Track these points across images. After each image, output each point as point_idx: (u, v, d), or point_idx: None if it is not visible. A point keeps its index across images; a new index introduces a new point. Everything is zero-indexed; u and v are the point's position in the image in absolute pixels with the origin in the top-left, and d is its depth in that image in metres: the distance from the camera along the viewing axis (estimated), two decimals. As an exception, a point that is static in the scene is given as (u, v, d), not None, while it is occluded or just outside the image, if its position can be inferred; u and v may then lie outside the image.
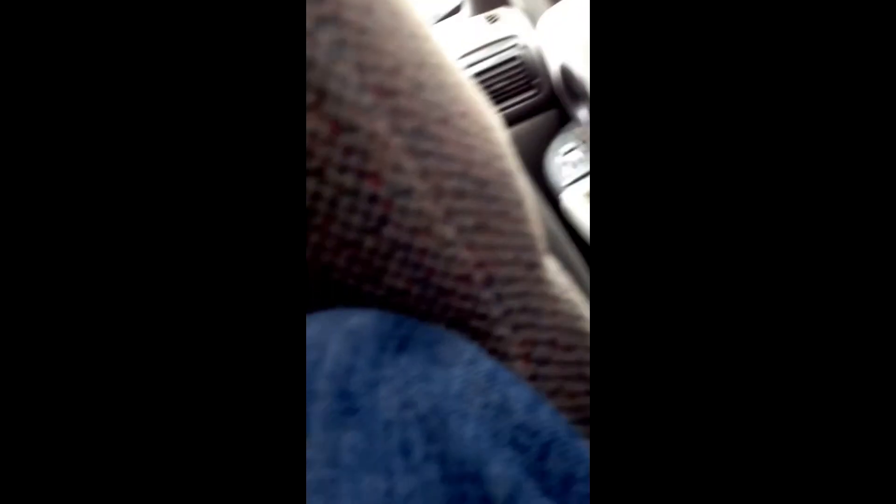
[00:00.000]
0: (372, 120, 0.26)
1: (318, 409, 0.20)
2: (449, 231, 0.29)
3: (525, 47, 0.82)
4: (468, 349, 0.23)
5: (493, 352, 0.28)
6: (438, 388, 0.21)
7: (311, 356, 0.22)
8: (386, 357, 0.22)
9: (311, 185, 0.26)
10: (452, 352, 0.23)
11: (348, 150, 0.27)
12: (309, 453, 0.19)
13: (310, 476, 0.18)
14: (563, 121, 0.87)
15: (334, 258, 0.29)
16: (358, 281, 0.29)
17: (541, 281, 0.31)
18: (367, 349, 0.22)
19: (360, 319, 0.24)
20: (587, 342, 0.31)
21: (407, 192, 0.28)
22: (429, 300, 0.30)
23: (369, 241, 0.28)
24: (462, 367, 0.22)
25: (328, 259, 0.29)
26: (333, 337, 0.23)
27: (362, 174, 0.27)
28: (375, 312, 0.25)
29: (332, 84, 0.25)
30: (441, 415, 0.20)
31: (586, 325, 0.32)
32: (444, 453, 0.19)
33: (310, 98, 0.25)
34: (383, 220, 0.28)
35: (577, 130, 0.83)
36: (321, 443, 0.19)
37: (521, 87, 0.84)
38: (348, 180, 0.27)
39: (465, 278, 0.28)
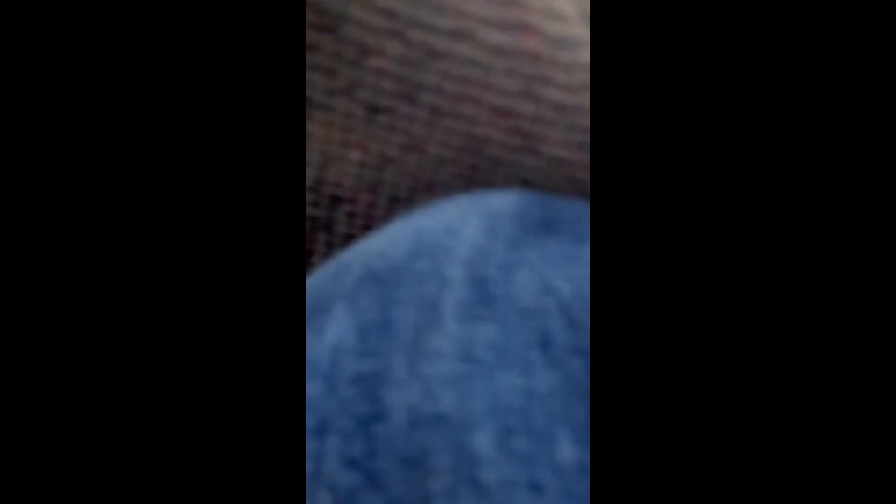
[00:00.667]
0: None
1: (450, 299, 0.18)
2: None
3: None
4: None
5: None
6: (585, 270, 0.19)
7: (445, 241, 0.20)
8: (527, 238, 0.20)
9: (462, 49, 0.23)
10: None
11: (498, 2, 0.23)
12: (441, 343, 0.18)
13: (440, 368, 0.17)
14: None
15: (489, 130, 0.25)
16: (516, 153, 0.26)
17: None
18: (505, 230, 0.20)
19: (502, 200, 0.22)
20: None
21: (569, 43, 0.23)
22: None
23: (528, 107, 0.25)
24: None
25: (482, 132, 0.26)
26: (471, 220, 0.21)
27: (516, 28, 0.23)
28: (519, 192, 0.22)
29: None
30: (586, 301, 0.18)
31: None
32: (588, 345, 0.17)
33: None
34: (544, 81, 0.24)
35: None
36: (453, 334, 0.18)
37: None
38: (500, 38, 0.23)
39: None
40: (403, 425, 0.17)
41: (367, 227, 0.30)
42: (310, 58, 0.26)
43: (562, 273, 0.19)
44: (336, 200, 0.29)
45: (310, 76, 0.26)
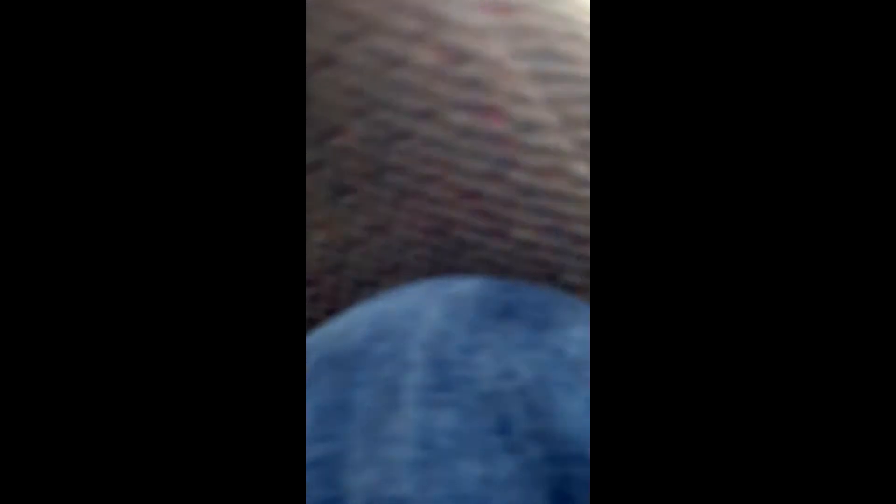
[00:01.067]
0: (489, 44, 0.22)
1: (410, 382, 0.18)
2: (583, 168, 0.24)
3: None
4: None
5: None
6: (546, 357, 0.19)
7: (405, 324, 0.20)
8: (486, 321, 0.20)
9: (425, 129, 0.23)
10: (571, 313, 0.21)
11: (464, 84, 0.23)
12: (399, 427, 0.17)
13: (400, 453, 0.17)
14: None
15: (454, 211, 0.25)
16: (482, 235, 0.26)
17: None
18: (465, 314, 0.20)
19: (464, 285, 0.22)
20: None
21: (533, 126, 0.23)
22: (562, 251, 0.26)
23: (493, 189, 0.24)
24: (582, 328, 0.20)
25: (449, 214, 0.25)
26: (431, 304, 0.21)
27: (481, 111, 0.23)
28: (482, 279, 0.23)
29: (440, 6, 0.21)
30: (546, 387, 0.18)
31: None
32: (547, 431, 0.17)
33: (415, 27, 0.21)
34: (508, 163, 0.24)
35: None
36: (414, 420, 0.17)
37: None
38: (466, 119, 0.23)
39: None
40: None
41: (331, 311, 0.29)
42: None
43: (521, 358, 0.19)
44: (299, 283, 0.28)
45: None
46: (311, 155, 0.25)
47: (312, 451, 0.18)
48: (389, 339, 0.20)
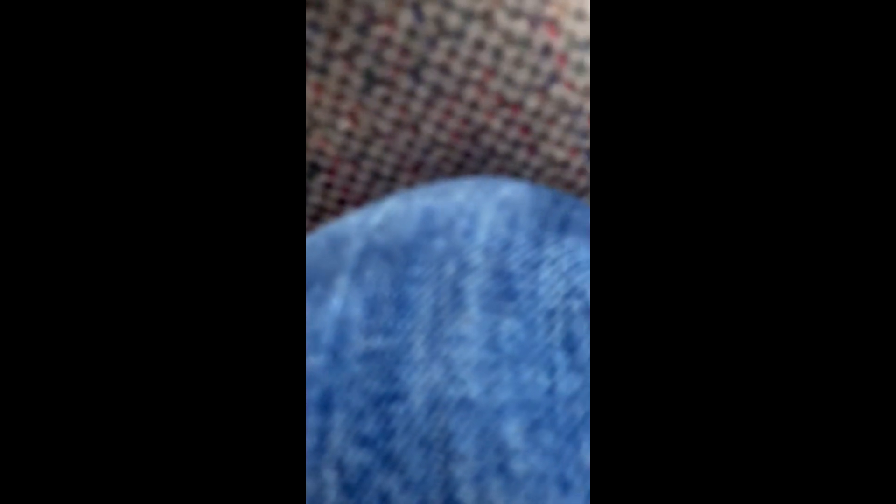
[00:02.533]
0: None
1: (473, 285, 0.18)
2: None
3: None
4: None
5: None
6: None
7: (460, 224, 0.19)
8: (548, 235, 0.20)
9: (475, 31, 0.22)
10: None
11: (523, -11, 0.22)
12: (465, 328, 0.17)
13: (465, 353, 0.17)
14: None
15: (489, 118, 0.25)
16: (513, 147, 0.25)
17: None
18: (526, 224, 0.20)
19: (514, 190, 0.21)
20: None
21: (584, 44, 0.23)
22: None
23: (534, 102, 0.24)
24: None
25: (482, 119, 0.25)
26: (484, 206, 0.20)
27: (537, 21, 0.22)
28: (528, 184, 0.22)
29: None
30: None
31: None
32: None
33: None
34: (553, 78, 0.24)
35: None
36: (479, 322, 0.17)
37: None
38: (520, 27, 0.23)
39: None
40: (423, 406, 0.16)
41: (343, 202, 0.29)
42: (312, 15, 0.24)
43: (585, 276, 0.19)
44: (314, 168, 0.28)
45: (309, 35, 0.25)
46: (349, 39, 0.24)
47: (365, 342, 0.17)
48: (445, 236, 0.19)
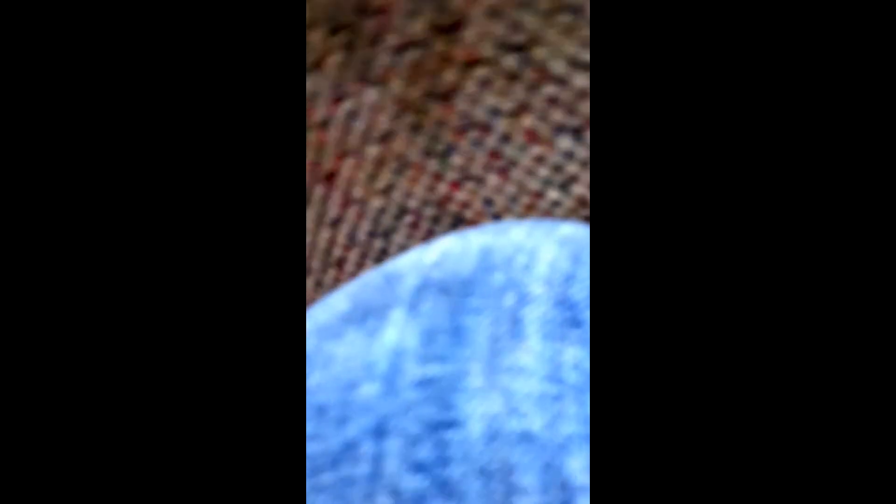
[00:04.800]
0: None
1: (533, 314, 0.18)
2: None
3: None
4: None
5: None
6: None
7: (520, 259, 0.19)
8: None
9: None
10: None
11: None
12: (525, 358, 0.17)
13: (527, 385, 0.17)
14: None
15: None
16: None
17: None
18: (585, 257, 0.20)
19: (574, 230, 0.21)
20: None
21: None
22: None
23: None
24: None
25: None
26: (544, 243, 0.20)
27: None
28: (584, 224, 0.22)
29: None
30: None
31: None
32: None
33: None
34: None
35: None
36: (539, 352, 0.17)
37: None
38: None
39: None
40: (482, 436, 0.16)
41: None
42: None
43: None
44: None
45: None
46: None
47: (421, 370, 0.17)
48: (504, 271, 0.19)
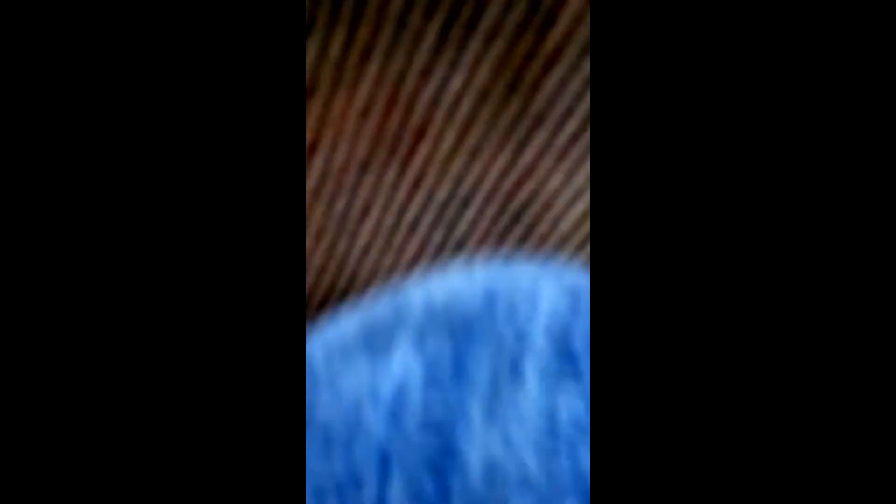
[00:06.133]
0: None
1: (535, 365, 0.19)
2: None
3: None
4: None
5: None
6: None
7: (523, 305, 0.20)
8: None
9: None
10: None
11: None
12: (522, 405, 0.18)
13: (524, 432, 0.17)
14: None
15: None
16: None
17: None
18: (587, 308, 0.21)
19: (578, 278, 0.22)
20: None
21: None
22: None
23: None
24: None
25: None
26: (548, 289, 0.21)
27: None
28: (585, 270, 0.24)
29: None
30: None
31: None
32: None
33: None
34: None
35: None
36: (537, 402, 0.18)
37: None
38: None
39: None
40: (481, 475, 0.16)
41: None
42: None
43: None
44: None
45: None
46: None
47: (424, 405, 0.18)
48: (507, 315, 0.20)
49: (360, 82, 0.25)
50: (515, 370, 0.19)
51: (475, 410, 0.18)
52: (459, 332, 0.20)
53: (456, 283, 0.22)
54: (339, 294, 0.31)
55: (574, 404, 0.18)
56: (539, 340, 0.19)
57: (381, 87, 0.25)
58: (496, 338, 0.19)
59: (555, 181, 0.28)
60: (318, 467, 0.18)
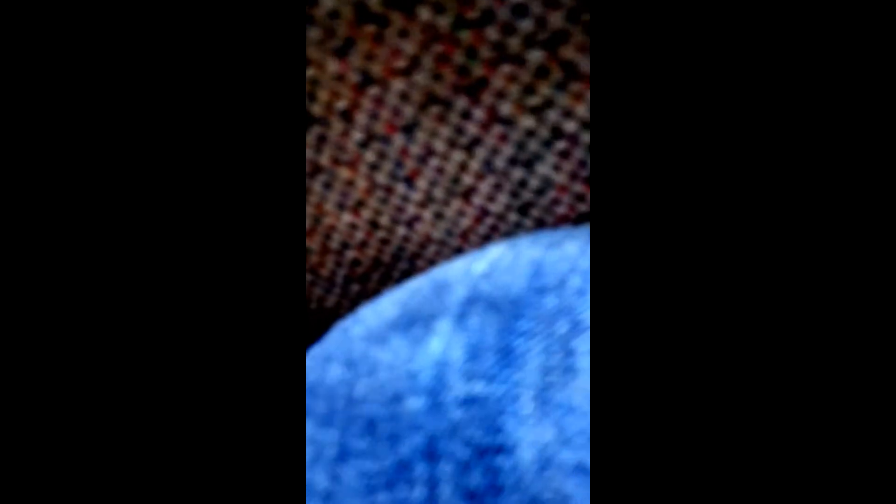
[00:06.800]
0: None
1: (586, 346, 0.18)
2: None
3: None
4: None
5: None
6: None
7: (573, 281, 0.19)
8: None
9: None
10: None
11: None
12: (577, 398, 0.17)
13: (579, 423, 0.17)
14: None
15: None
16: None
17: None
18: None
19: None
20: None
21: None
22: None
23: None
24: None
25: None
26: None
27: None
28: None
29: None
30: None
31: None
32: None
33: None
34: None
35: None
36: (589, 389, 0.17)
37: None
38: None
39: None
40: (533, 464, 0.16)
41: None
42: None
43: None
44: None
45: None
46: None
47: (466, 387, 0.17)
48: (557, 294, 0.19)
49: (406, 37, 0.21)
50: (568, 354, 0.18)
51: (525, 395, 0.17)
52: (505, 308, 0.19)
53: (498, 256, 0.21)
54: (383, 270, 0.28)
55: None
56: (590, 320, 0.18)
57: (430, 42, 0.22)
58: (546, 317, 0.18)
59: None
60: (367, 459, 0.18)
